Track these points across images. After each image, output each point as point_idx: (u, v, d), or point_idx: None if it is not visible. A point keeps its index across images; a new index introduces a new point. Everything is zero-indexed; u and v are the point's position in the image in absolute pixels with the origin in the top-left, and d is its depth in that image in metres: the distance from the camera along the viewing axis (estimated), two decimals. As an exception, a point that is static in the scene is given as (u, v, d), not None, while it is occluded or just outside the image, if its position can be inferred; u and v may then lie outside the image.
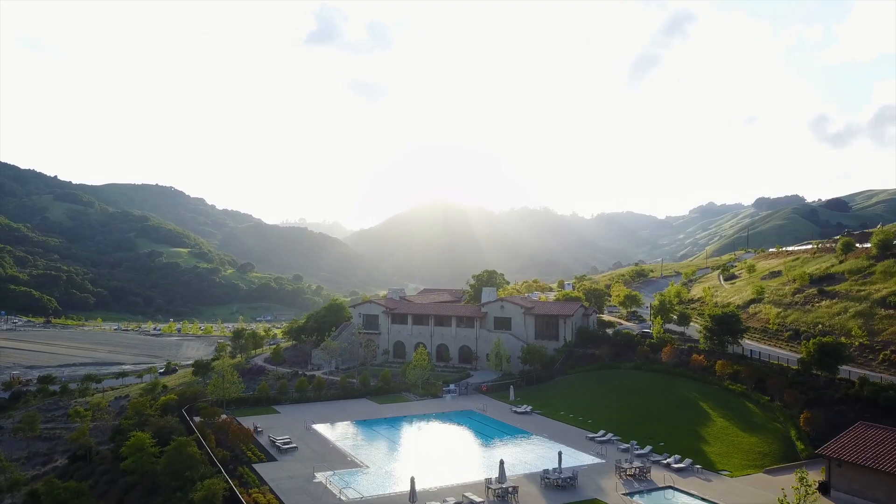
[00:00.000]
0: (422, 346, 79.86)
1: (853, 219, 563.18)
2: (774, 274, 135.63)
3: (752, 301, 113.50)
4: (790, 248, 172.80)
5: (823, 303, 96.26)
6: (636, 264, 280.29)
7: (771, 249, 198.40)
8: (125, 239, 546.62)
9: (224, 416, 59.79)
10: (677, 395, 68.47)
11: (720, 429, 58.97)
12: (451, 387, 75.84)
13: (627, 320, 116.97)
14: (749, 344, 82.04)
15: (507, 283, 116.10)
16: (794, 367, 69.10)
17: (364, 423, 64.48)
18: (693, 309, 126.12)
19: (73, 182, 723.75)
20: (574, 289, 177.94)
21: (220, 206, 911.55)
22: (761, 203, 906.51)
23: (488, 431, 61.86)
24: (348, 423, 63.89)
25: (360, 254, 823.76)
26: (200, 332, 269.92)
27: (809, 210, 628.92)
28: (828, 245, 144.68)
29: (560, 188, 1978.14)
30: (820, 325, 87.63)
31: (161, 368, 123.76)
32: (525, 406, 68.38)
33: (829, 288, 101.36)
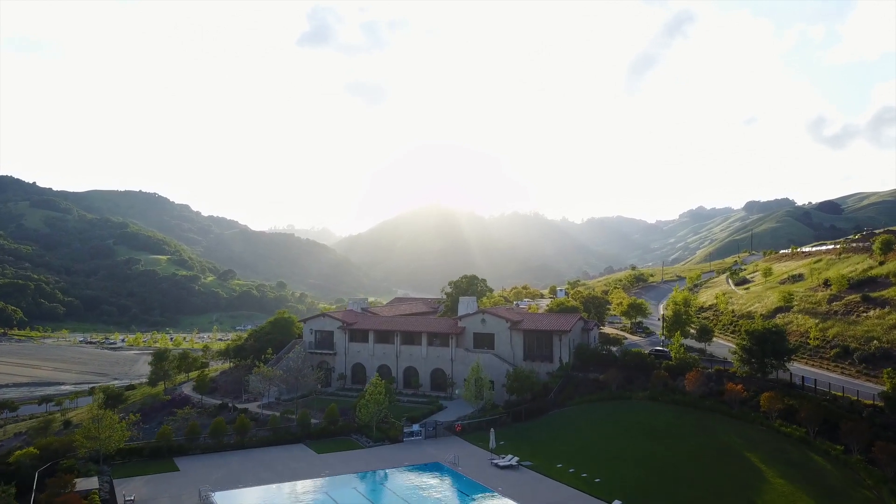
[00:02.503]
0: (377, 377, 62.26)
1: (846, 221, 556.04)
2: (795, 278, 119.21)
3: (778, 310, 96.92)
4: (806, 249, 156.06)
5: (872, 312, 79.60)
6: (632, 268, 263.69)
7: (783, 251, 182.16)
8: (103, 246, 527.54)
9: (79, 483, 42.27)
10: (713, 439, 51.43)
11: (782, 496, 41.86)
12: (415, 427, 58.40)
13: (633, 333, 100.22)
14: (793, 367, 65.21)
15: (491, 290, 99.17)
16: (869, 403, 52.14)
17: (286, 488, 46.85)
18: (707, 319, 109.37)
19: (54, 189, 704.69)
20: (567, 296, 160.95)
21: (205, 213, 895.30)
22: (752, 206, 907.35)
23: (461, 500, 44.52)
24: (263, 489, 46.17)
25: (350, 260, 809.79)
26: (170, 343, 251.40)
27: (803, 213, 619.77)
28: (854, 245, 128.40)
29: (551, 192, 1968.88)
30: (875, 341, 70.83)
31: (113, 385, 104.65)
32: (510, 457, 51.04)
33: (875, 294, 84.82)
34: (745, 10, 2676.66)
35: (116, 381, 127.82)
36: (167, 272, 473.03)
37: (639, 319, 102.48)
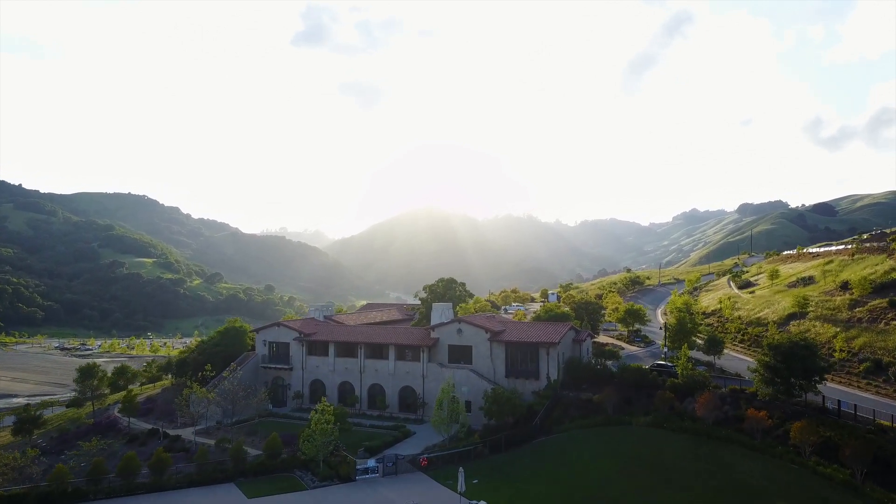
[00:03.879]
0: (323, 402, 51.91)
1: (841, 223, 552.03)
2: (806, 280, 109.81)
3: (792, 316, 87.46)
4: (813, 250, 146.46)
5: (904, 320, 70.15)
6: (627, 270, 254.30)
7: (788, 252, 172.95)
8: (87, 249, 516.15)
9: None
10: (733, 479, 41.58)
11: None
12: (371, 463, 48.21)
13: (629, 342, 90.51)
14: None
15: (471, 295, 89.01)
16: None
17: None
18: (711, 326, 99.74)
19: (42, 191, 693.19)
20: (559, 300, 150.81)
21: (196, 216, 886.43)
22: (745, 209, 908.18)
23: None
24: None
25: (342, 263, 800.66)
26: (148, 349, 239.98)
27: (797, 215, 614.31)
28: (867, 245, 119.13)
29: (546, 194, 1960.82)
30: (914, 354, 61.24)
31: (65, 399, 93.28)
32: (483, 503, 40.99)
33: (905, 299, 75.38)
34: (743, 10, 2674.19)
35: (67, 396, 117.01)
36: (152, 275, 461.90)
37: (636, 327, 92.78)
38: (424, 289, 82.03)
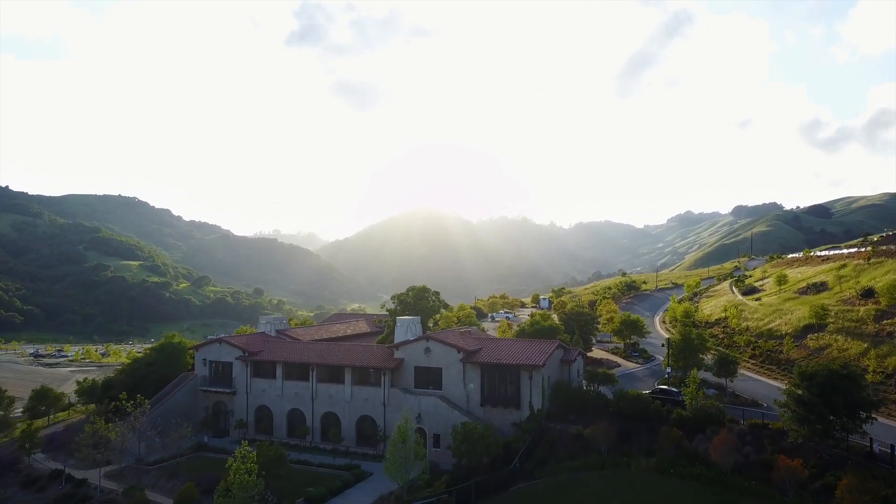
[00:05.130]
0: (244, 446, 41.68)
1: (836, 225, 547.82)
2: (818, 287, 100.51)
3: (808, 328, 78.12)
4: (822, 253, 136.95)
5: (945, 335, 60.88)
6: (623, 274, 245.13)
7: (793, 255, 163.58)
8: (73, 252, 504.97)
9: None
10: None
11: None
12: (304, 523, 38.50)
13: (626, 356, 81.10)
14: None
15: (446, 306, 78.92)
16: None
17: None
18: (717, 339, 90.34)
19: (30, 193, 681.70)
20: (551, 307, 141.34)
21: (187, 218, 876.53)
22: (739, 211, 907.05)
23: None
24: None
25: (335, 266, 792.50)
26: (124, 356, 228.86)
27: (793, 217, 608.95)
28: (883, 248, 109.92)
29: (540, 196, 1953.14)
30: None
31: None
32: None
33: (942, 310, 66.05)
34: (741, 12, 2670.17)
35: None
36: (137, 278, 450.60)
37: (634, 339, 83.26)
38: (393, 298, 72.08)
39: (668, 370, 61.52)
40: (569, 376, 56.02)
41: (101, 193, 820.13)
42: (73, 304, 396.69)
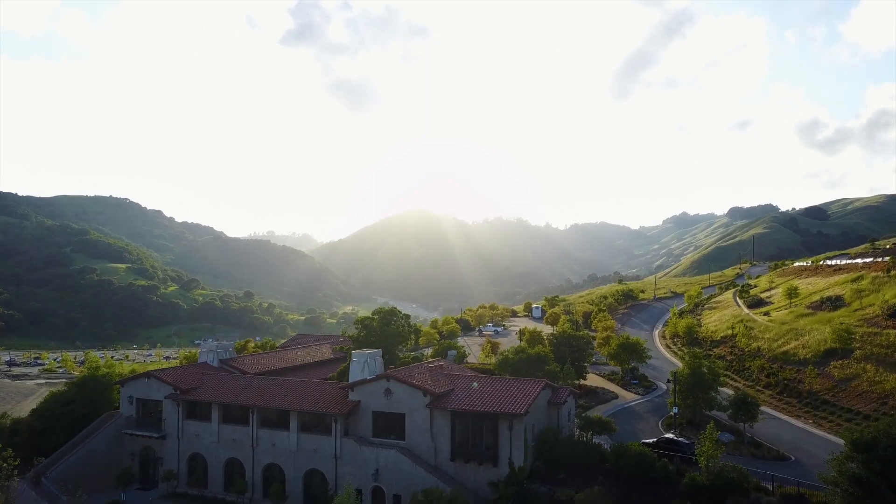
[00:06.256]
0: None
1: (833, 227, 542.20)
2: (833, 302, 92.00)
3: (830, 353, 69.57)
4: (832, 262, 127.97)
5: None
6: (619, 281, 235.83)
7: (799, 262, 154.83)
8: (60, 254, 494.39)
9: None
10: None
11: None
12: None
13: (624, 384, 72.29)
14: None
15: (418, 329, 69.64)
16: None
17: None
18: (725, 360, 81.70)
19: (19, 194, 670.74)
20: (544, 317, 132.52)
21: (179, 219, 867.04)
22: (735, 212, 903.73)
23: None
24: None
25: (329, 268, 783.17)
26: (101, 364, 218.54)
27: (789, 218, 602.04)
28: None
29: (535, 197, 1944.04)
30: None
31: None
32: None
33: None
34: (740, 12, 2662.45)
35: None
36: (124, 281, 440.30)
37: (633, 365, 74.35)
38: (356, 323, 62.60)
39: (675, 410, 52.66)
40: (557, 422, 47.10)
41: (93, 194, 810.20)
42: (57, 307, 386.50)
